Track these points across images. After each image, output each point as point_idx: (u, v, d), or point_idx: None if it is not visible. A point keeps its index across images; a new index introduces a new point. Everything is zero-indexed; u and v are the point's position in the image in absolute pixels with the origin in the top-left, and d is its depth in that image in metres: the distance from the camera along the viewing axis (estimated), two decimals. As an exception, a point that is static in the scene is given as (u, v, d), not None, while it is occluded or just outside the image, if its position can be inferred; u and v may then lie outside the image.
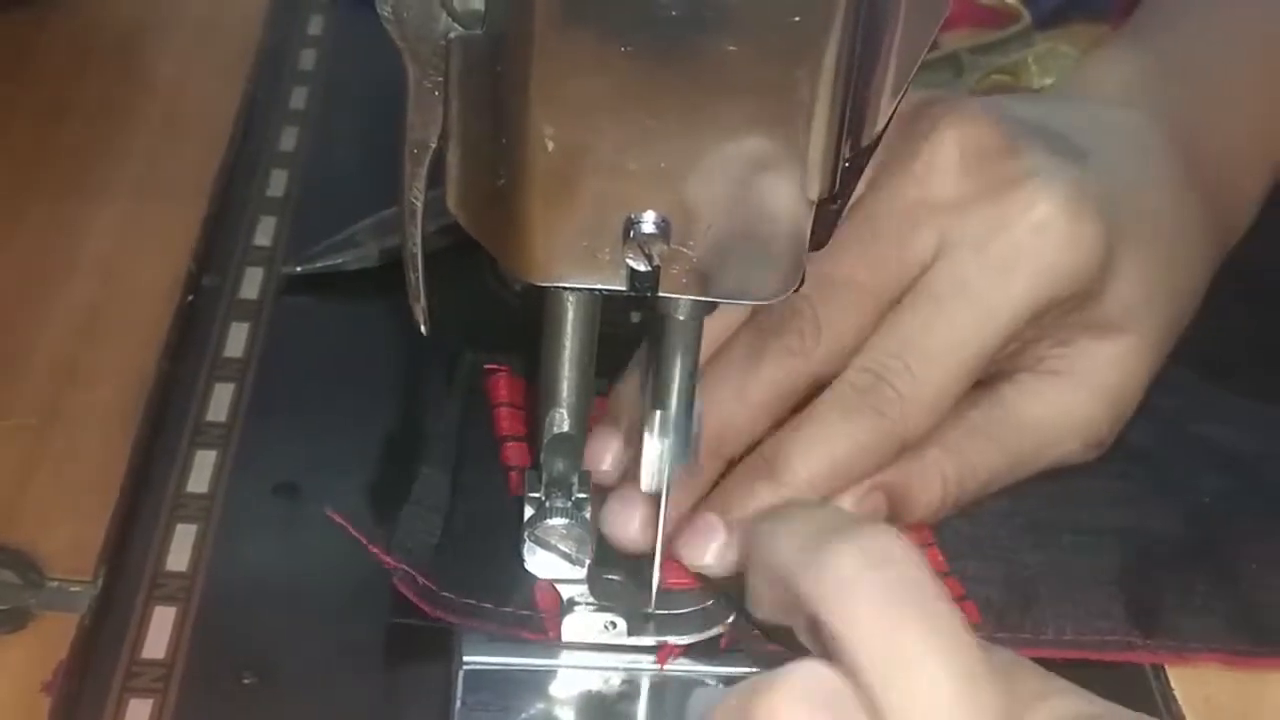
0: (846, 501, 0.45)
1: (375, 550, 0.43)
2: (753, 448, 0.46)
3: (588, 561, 0.42)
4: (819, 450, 0.45)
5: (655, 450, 0.41)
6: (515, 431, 0.48)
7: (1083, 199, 0.46)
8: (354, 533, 0.43)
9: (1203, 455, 0.52)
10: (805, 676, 0.33)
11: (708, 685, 0.43)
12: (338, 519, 0.43)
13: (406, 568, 0.43)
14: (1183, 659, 0.46)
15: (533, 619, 0.43)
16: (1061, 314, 0.47)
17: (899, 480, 0.46)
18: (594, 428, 0.46)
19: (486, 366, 0.50)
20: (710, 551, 0.44)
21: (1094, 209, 0.46)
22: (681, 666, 0.44)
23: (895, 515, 0.47)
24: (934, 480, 0.47)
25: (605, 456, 0.46)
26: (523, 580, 0.44)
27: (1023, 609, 0.46)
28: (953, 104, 0.48)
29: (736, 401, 0.45)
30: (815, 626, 0.35)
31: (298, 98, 0.68)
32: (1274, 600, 0.47)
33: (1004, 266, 0.46)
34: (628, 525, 0.44)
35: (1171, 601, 0.47)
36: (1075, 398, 0.48)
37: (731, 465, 0.46)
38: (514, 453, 0.48)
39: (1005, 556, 0.48)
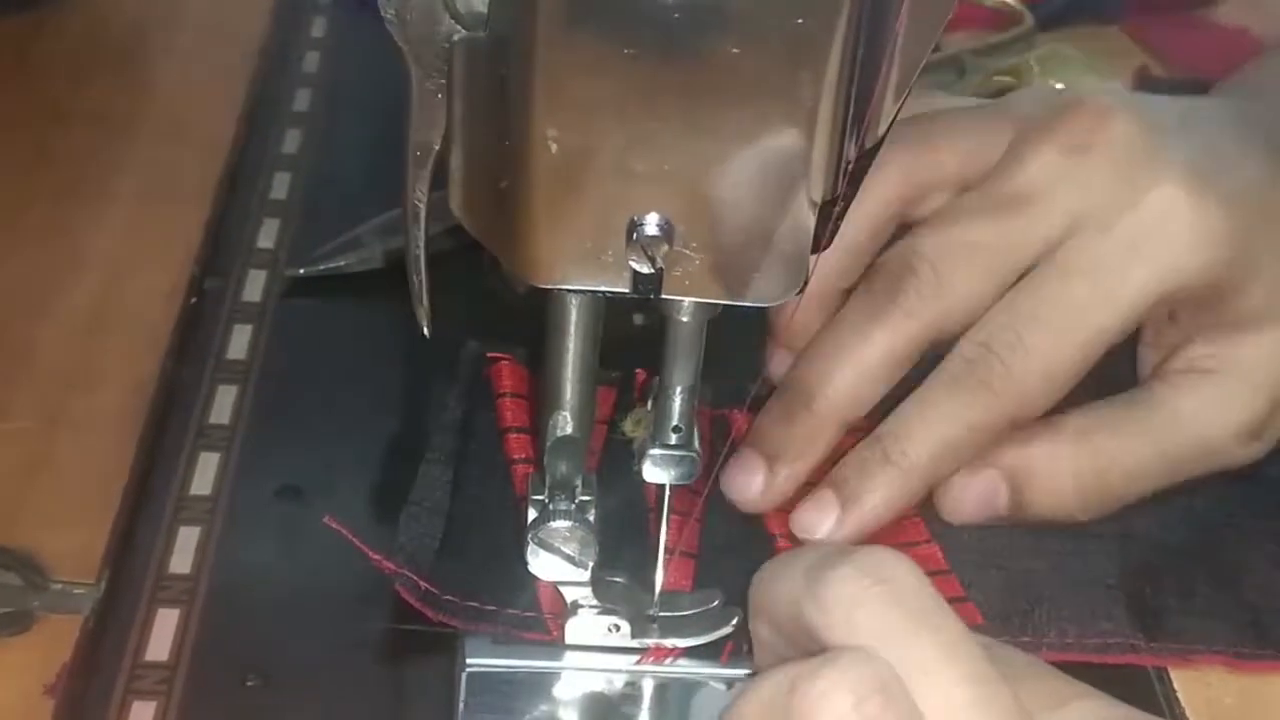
0: (960, 478, 0.47)
1: (376, 556, 0.43)
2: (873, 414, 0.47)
3: (591, 564, 0.42)
4: (927, 430, 0.46)
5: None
6: (519, 423, 0.48)
7: (1213, 191, 0.46)
8: (353, 540, 0.43)
9: None
10: (850, 663, 0.33)
11: (715, 689, 0.43)
12: (335, 525, 0.43)
13: (408, 572, 0.43)
14: (1187, 661, 0.46)
15: (536, 620, 0.43)
16: (1196, 309, 0.47)
17: (1021, 464, 0.47)
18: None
19: (489, 355, 0.50)
20: (824, 528, 0.46)
21: (1223, 201, 0.46)
22: (684, 669, 0.44)
23: (1016, 502, 0.47)
24: (1062, 469, 0.47)
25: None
26: (526, 581, 0.44)
27: (1024, 612, 0.46)
28: (1094, 97, 0.48)
29: (853, 369, 0.46)
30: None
31: (301, 100, 0.68)
32: (1277, 603, 0.47)
33: (1130, 249, 0.46)
34: (748, 488, 0.46)
35: (1174, 604, 0.47)
36: (1229, 390, 0.48)
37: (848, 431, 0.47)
38: (518, 445, 0.48)
39: (1004, 563, 0.48)
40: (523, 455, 0.47)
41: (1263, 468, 0.51)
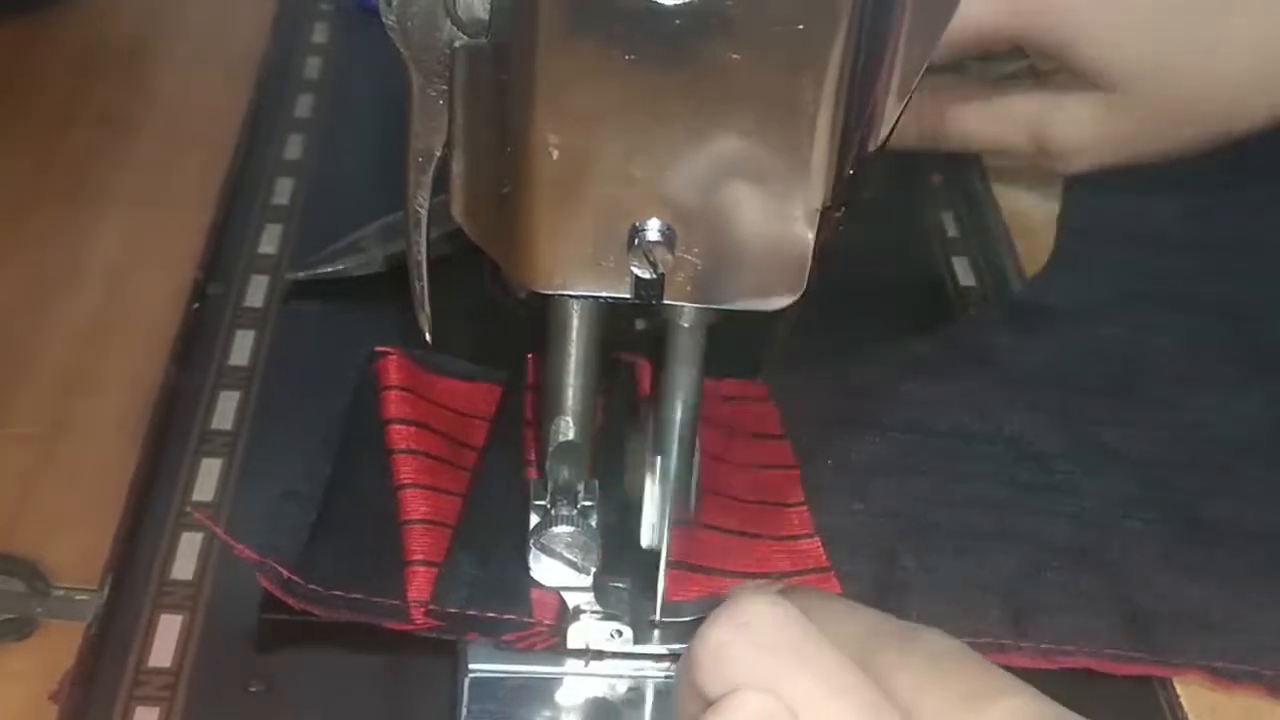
0: None
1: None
2: None
3: (594, 569, 0.42)
4: None
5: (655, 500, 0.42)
6: (403, 414, 0.48)
7: None
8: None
9: (1100, 460, 0.51)
10: (737, 702, 0.32)
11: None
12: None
13: (271, 562, 0.43)
14: (1053, 661, 0.45)
15: (399, 609, 0.43)
16: None
17: None
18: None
19: (376, 350, 0.50)
20: None
21: None
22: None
23: None
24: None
25: None
26: (393, 571, 0.44)
27: (898, 612, 0.45)
28: None
29: None
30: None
31: (303, 106, 0.68)
32: (1158, 605, 0.46)
33: None
34: None
35: (1052, 603, 0.46)
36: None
37: None
38: (400, 436, 0.47)
39: (883, 564, 0.47)
40: (404, 446, 0.47)
41: (1157, 473, 0.51)
